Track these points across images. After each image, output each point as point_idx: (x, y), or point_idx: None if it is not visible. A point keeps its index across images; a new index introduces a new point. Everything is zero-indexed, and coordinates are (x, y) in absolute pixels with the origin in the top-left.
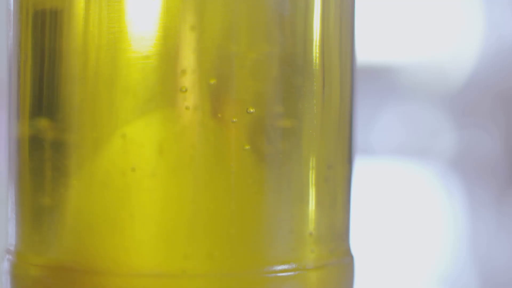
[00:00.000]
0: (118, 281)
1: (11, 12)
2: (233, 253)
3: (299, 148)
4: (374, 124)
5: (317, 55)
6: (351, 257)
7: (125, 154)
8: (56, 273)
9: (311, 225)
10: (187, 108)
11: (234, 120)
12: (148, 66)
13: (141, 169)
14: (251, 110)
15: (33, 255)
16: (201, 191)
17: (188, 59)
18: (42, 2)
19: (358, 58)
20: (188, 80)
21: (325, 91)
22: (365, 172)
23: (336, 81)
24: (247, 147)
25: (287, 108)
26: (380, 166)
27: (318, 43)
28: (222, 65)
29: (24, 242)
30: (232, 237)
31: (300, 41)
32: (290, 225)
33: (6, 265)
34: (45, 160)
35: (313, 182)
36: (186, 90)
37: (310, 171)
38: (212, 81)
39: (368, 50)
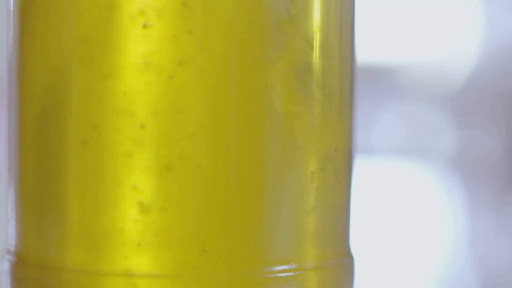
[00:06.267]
0: (117, 281)
1: (11, 12)
2: (233, 253)
3: (299, 147)
4: (374, 124)
5: (317, 55)
6: (351, 257)
7: (128, 170)
8: (56, 274)
9: (311, 225)
10: None
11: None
12: None
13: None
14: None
15: (33, 255)
16: (200, 190)
17: None
18: (42, 2)
19: (358, 58)
20: None
21: (325, 91)
22: (365, 172)
23: (336, 81)
24: (244, 147)
25: (286, 107)
26: (380, 166)
27: (318, 43)
28: (221, 85)
29: (24, 242)
30: (232, 237)
31: (300, 41)
32: (290, 225)
33: (6, 265)
34: (46, 160)
35: (313, 181)
36: None
37: (310, 171)
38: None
39: (368, 50)
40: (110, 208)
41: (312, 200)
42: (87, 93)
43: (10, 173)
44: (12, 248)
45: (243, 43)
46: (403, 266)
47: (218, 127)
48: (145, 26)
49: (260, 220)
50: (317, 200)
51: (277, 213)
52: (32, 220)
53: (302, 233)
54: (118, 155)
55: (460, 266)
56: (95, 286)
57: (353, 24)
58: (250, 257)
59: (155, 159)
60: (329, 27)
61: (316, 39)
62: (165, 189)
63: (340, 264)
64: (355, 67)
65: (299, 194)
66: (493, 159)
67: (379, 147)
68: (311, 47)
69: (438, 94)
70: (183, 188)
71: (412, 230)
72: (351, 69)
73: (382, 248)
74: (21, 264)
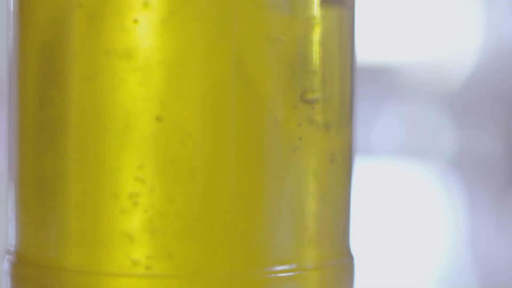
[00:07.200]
0: (117, 281)
1: (11, 12)
2: (233, 253)
3: (299, 148)
4: (374, 124)
5: (317, 55)
6: (351, 257)
7: (128, 171)
8: (56, 274)
9: (311, 225)
10: None
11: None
12: None
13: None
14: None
15: (33, 255)
16: (201, 190)
17: None
18: (42, 2)
19: (358, 58)
20: None
21: (325, 91)
22: (365, 172)
23: (336, 81)
24: (244, 147)
25: (287, 107)
26: (380, 166)
27: (318, 43)
28: (221, 70)
29: (24, 242)
30: (232, 237)
31: (300, 41)
32: (290, 225)
33: (6, 265)
34: (45, 160)
35: (313, 182)
36: None
37: (310, 171)
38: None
39: (368, 50)
40: (110, 208)
41: (312, 200)
42: (86, 99)
43: (10, 173)
44: (12, 248)
45: (242, 43)
46: (403, 266)
47: (217, 129)
48: None
49: (260, 220)
50: (317, 200)
51: (277, 213)
52: (32, 220)
53: (302, 233)
54: (119, 156)
55: (460, 266)
56: (95, 286)
57: (353, 24)
58: (250, 257)
59: (153, 160)
60: (329, 26)
61: (316, 38)
62: (165, 189)
63: (340, 264)
64: (355, 67)
65: (299, 194)
66: (493, 159)
67: (379, 147)
68: (311, 47)
69: (438, 94)
70: (183, 188)
71: (412, 230)
72: (351, 69)
73: (382, 248)
74: (21, 264)
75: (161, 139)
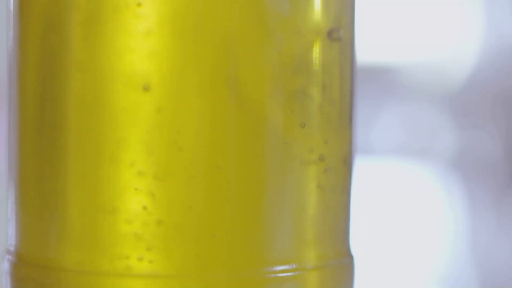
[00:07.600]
0: (117, 281)
1: (11, 12)
2: (233, 253)
3: (299, 148)
4: (374, 124)
5: (317, 55)
6: (351, 257)
7: (128, 171)
8: (56, 274)
9: (311, 225)
10: None
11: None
12: None
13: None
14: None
15: (33, 255)
16: (200, 190)
17: None
18: (42, 2)
19: (358, 58)
20: None
21: (325, 91)
22: (365, 172)
23: (336, 83)
24: (244, 145)
25: (287, 108)
26: (380, 166)
27: (318, 43)
28: (223, 63)
29: (24, 242)
30: (232, 237)
31: (300, 42)
32: (290, 225)
33: (6, 265)
34: (45, 160)
35: (313, 181)
36: None
37: (310, 171)
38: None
39: (368, 50)
40: (110, 208)
41: (312, 200)
42: (86, 98)
43: (10, 173)
44: (12, 248)
45: (242, 43)
46: (403, 266)
47: (218, 127)
48: None
49: (260, 220)
50: (317, 200)
51: (277, 213)
52: (32, 220)
53: (302, 233)
54: (119, 156)
55: (460, 266)
56: (95, 286)
57: (353, 24)
58: (250, 257)
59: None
60: (329, 27)
61: (316, 39)
62: (165, 189)
63: (340, 264)
64: (356, 68)
65: (299, 194)
66: (493, 159)
67: (379, 147)
68: (311, 48)
69: (438, 94)
70: (183, 189)
71: (412, 230)
72: (351, 70)
73: (382, 248)
74: (21, 264)
75: (163, 142)
